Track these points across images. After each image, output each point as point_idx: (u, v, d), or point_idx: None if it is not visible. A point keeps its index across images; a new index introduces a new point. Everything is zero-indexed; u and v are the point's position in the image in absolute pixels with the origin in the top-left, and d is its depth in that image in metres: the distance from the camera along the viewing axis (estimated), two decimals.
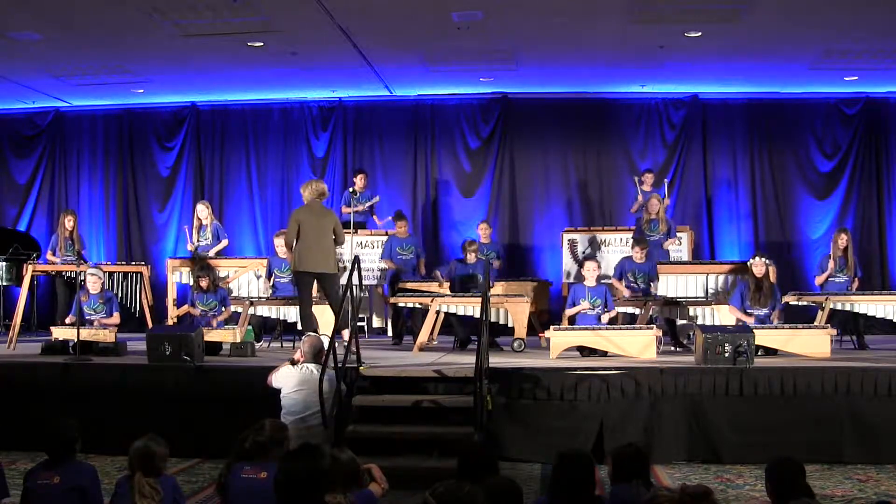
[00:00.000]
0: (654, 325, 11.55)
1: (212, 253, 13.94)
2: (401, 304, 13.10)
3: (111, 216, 17.96)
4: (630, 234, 14.28)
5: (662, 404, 9.83)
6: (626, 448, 5.89)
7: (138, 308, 13.38)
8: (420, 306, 12.91)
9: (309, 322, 11.28)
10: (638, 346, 11.06)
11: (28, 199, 18.07)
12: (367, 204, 15.13)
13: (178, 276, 13.66)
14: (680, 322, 12.54)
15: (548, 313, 14.09)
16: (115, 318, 12.40)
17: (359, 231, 14.70)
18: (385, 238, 14.53)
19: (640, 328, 11.40)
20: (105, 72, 15.32)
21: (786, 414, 9.68)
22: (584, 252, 14.55)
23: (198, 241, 14.05)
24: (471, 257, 13.23)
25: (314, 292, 11.51)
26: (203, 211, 14.17)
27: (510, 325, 12.41)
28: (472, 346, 12.33)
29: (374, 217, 15.41)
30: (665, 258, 13.63)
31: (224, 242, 14.24)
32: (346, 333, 10.47)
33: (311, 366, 8.87)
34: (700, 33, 13.13)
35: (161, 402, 10.09)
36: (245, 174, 17.58)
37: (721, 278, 13.03)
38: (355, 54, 14.26)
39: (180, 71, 15.31)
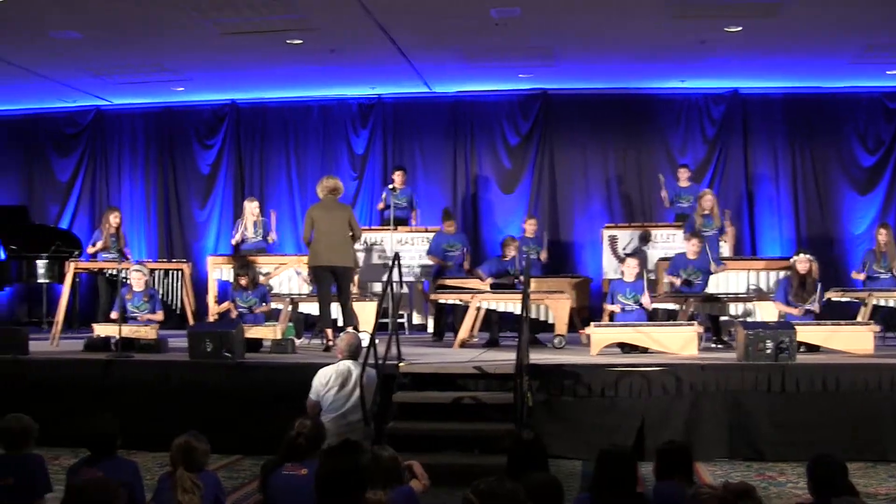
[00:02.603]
0: (696, 322, 11.49)
1: (271, 239, 14.10)
2: (441, 301, 13.11)
3: (152, 214, 18.08)
4: (672, 230, 14.24)
5: (704, 401, 9.77)
6: (670, 444, 5.86)
7: (179, 305, 13.42)
8: (461, 303, 12.91)
9: (350, 317, 11.38)
10: (679, 342, 11.00)
11: (69, 196, 18.22)
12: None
13: (218, 272, 13.72)
14: (722, 318, 12.46)
15: (588, 310, 14.07)
16: (159, 314, 12.47)
17: (399, 228, 14.74)
18: (425, 234, 14.63)
19: (682, 324, 11.35)
20: (145, 70, 15.38)
21: (828, 411, 9.60)
22: (624, 248, 14.49)
23: (253, 236, 14.09)
24: (509, 253, 13.22)
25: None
26: (256, 207, 14.23)
27: (551, 321, 12.40)
28: (509, 343, 12.34)
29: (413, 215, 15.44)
30: (716, 254, 13.50)
31: (273, 236, 14.30)
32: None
33: (350, 363, 8.87)
34: (740, 28, 13.02)
35: (202, 399, 10.15)
36: (285, 171, 17.64)
37: (763, 275, 12.95)
38: (394, 51, 14.26)
39: (220, 69, 15.37)
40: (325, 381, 8.77)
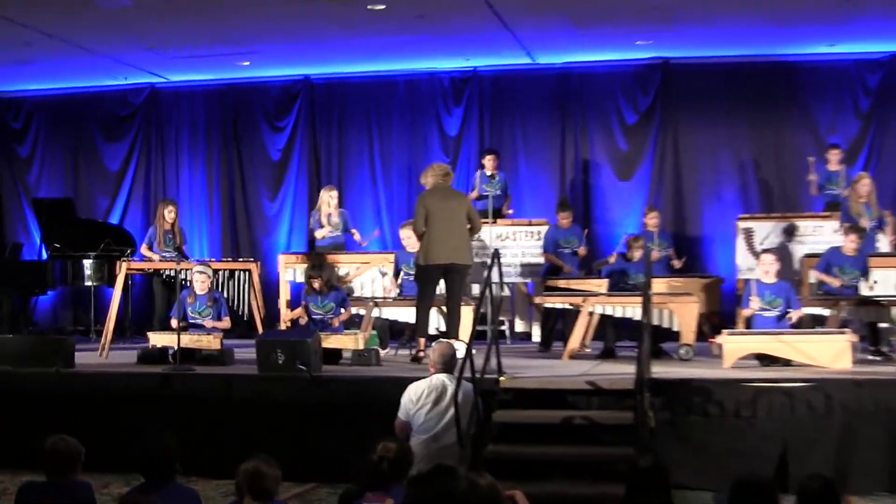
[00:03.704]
0: (849, 329, 11.28)
1: (357, 238, 14.28)
2: (548, 305, 13.06)
3: (214, 206, 18.32)
4: (819, 221, 14.04)
5: (859, 423, 9.59)
6: (812, 481, 5.73)
7: (246, 311, 13.48)
8: (571, 307, 12.84)
9: (456, 326, 11.48)
10: (829, 353, 10.80)
11: (121, 188, 18.55)
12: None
13: (291, 273, 13.74)
14: (881, 325, 12.22)
15: (719, 315, 13.90)
16: (226, 321, 12.58)
17: (497, 221, 14.71)
18: (529, 228, 14.62)
19: (832, 332, 11.15)
20: (206, 42, 15.51)
21: None
22: (762, 243, 14.28)
23: (328, 232, 14.17)
24: (635, 255, 13.17)
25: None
26: (334, 198, 14.31)
27: (676, 328, 12.30)
28: (627, 354, 12.26)
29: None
30: (872, 249, 13.24)
31: (356, 235, 14.42)
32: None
33: (443, 377, 8.88)
34: None
35: (272, 418, 10.25)
36: (367, 157, 17.74)
37: None
38: (491, 17, 14.24)
39: (291, 40, 15.47)
40: (416, 397, 8.79)
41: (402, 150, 17.50)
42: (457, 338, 11.24)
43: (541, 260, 14.53)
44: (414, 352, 12.07)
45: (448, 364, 9.03)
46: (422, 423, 8.68)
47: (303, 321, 12.46)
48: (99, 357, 12.93)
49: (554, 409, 9.59)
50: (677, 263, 14.33)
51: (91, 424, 9.98)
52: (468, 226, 11.64)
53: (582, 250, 14.41)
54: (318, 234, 14.27)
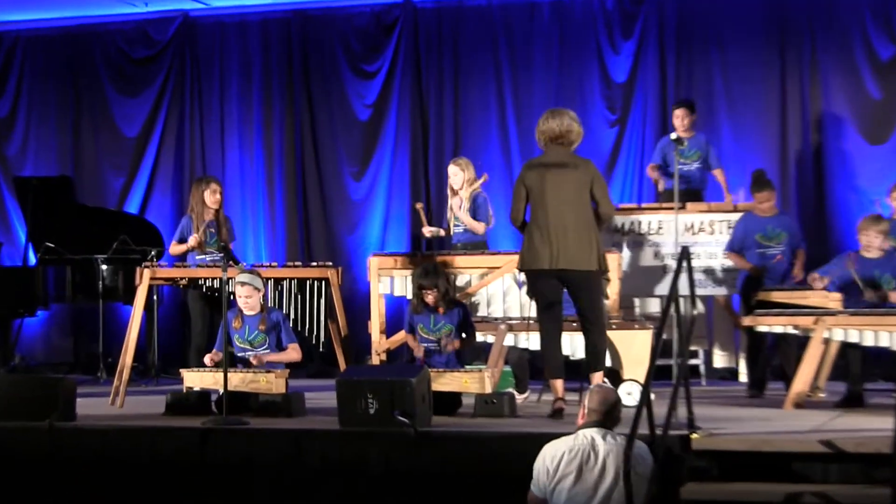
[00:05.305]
0: None
1: (480, 229, 14.33)
2: (761, 329, 12.96)
3: (276, 188, 18.53)
4: None
5: None
6: None
7: (323, 338, 13.55)
8: (795, 331, 12.75)
9: (598, 354, 11.35)
10: None
11: (141, 161, 18.85)
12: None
13: (387, 283, 13.75)
14: None
15: None
16: (290, 352, 12.55)
17: (688, 205, 14.72)
18: (735, 215, 14.47)
19: None
20: None
21: None
22: None
23: (453, 225, 14.27)
24: (871, 245, 12.96)
25: None
26: (457, 174, 14.40)
27: None
28: (881, 401, 12.17)
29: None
30: None
31: (482, 225, 14.49)
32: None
33: (592, 432, 8.76)
34: None
35: (361, 490, 10.30)
36: (495, 113, 17.80)
37: None
38: None
39: None
40: (553, 464, 8.71)
41: (548, 104, 16.98)
42: (593, 371, 11.31)
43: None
44: (551, 401, 11.82)
45: (609, 416, 8.93)
46: (567, 500, 8.65)
47: (418, 351, 12.40)
48: (111, 406, 13.08)
49: (772, 481, 9.51)
50: None
51: (99, 501, 10.12)
52: (592, 212, 11.50)
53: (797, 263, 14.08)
54: (427, 232, 14.38)
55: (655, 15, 17.32)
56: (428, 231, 14.66)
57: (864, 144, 16.80)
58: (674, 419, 9.56)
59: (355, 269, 16.85)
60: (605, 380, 11.00)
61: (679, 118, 15.27)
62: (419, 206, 15.23)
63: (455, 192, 14.38)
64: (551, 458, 8.72)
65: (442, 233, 14.70)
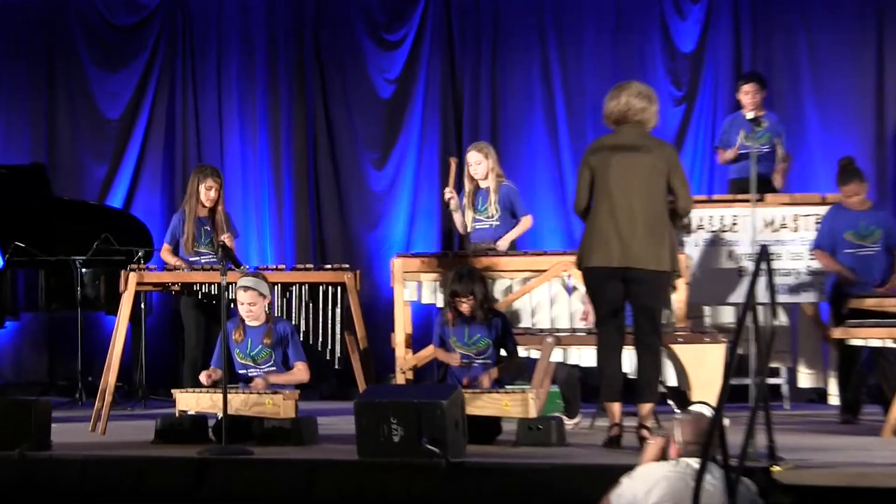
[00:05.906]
0: None
1: (503, 244, 14.15)
2: (854, 342, 12.85)
3: (283, 178, 18.53)
4: None
5: None
6: None
7: (339, 353, 13.52)
8: (895, 345, 12.63)
9: (651, 381, 11.20)
10: None
11: (127, 147, 18.86)
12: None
13: (413, 289, 13.77)
14: None
15: None
16: (296, 373, 12.52)
17: (766, 197, 14.58)
18: (824, 211, 14.34)
19: None
20: None
21: None
22: None
23: (472, 220, 14.21)
24: None
25: None
26: (480, 162, 14.29)
27: None
28: None
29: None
30: None
31: (524, 223, 14.39)
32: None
33: (693, 462, 8.70)
34: None
35: None
36: (540, 89, 17.80)
37: None
38: None
39: None
40: (645, 480, 8.62)
41: (602, 81, 17.13)
42: (647, 395, 11.19)
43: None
44: (607, 427, 11.68)
45: (711, 443, 8.81)
46: None
47: (453, 361, 12.29)
48: (91, 432, 13.06)
49: None
50: None
51: None
52: (666, 202, 11.35)
53: None
54: (460, 220, 14.30)
55: None
56: (449, 192, 14.42)
57: None
58: (751, 449, 9.51)
59: (376, 272, 16.85)
60: (703, 403, 10.73)
61: (748, 94, 15.23)
62: (453, 161, 14.96)
63: (475, 183, 14.19)
64: (645, 485, 8.62)
65: (455, 204, 14.47)
